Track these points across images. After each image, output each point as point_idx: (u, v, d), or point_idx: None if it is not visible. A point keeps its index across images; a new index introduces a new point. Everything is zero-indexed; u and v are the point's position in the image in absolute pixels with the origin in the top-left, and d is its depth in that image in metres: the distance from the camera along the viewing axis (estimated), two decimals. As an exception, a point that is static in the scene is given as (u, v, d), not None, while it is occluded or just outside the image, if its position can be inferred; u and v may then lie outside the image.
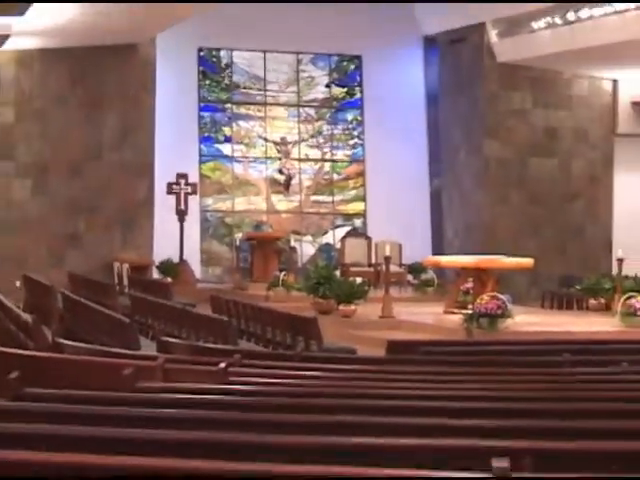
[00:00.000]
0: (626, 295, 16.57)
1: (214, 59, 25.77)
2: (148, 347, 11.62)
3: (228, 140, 25.78)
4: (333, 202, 26.32)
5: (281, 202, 26.07)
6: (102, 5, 17.99)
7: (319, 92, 26.35)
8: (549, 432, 4.84)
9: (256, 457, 3.96)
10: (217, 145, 25.73)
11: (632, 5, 19.30)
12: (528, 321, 16.19)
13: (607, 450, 4.36)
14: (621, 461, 4.12)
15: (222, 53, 25.77)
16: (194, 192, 24.13)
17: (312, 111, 26.35)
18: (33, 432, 4.51)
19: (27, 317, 11.25)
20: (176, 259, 23.33)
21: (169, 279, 22.13)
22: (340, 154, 26.44)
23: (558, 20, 21.55)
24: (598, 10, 20.28)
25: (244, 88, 25.93)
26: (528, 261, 18.45)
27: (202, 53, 25.53)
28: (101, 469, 3.67)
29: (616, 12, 19.85)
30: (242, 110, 25.95)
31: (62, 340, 9.56)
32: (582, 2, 20.76)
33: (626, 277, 18.27)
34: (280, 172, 26.05)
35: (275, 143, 26.09)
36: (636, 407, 6.14)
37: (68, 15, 18.62)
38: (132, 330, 11.68)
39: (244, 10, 22.82)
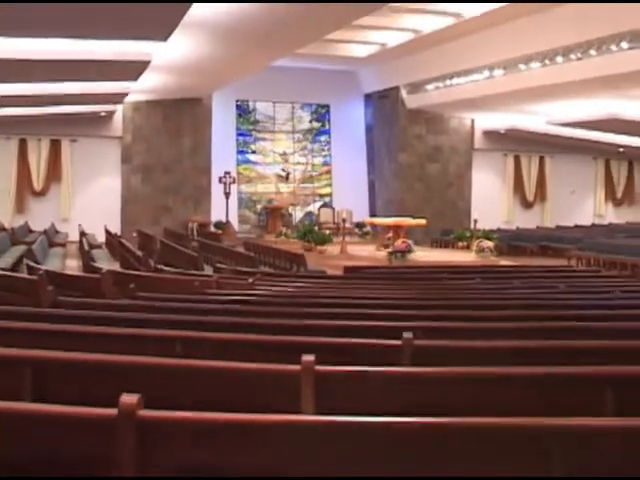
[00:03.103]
0: (478, 240, 16.72)
1: (245, 106, 25.50)
2: (208, 270, 11.61)
3: (253, 152, 25.61)
4: (313, 188, 26.23)
5: (283, 187, 25.94)
6: (180, 77, 17.75)
7: (305, 125, 26.13)
8: (437, 317, 4.85)
9: (269, 332, 3.95)
10: (247, 155, 25.54)
11: (481, 77, 19.18)
12: (423, 255, 16.28)
13: (468, 328, 4.39)
14: (475, 333, 4.15)
15: (250, 102, 25.51)
16: (234, 182, 24.04)
17: (301, 136, 26.18)
18: (143, 318, 4.49)
19: (139, 253, 11.20)
20: (224, 220, 23.30)
21: (220, 232, 22.10)
22: (317, 161, 26.29)
23: (441, 84, 21.43)
24: (463, 79, 20.13)
25: (262, 122, 25.73)
26: (423, 221, 18.55)
27: (238, 102, 25.27)
28: (182, 338, 3.67)
29: (473, 81, 19.72)
30: (261, 135, 25.73)
31: (159, 266, 9.54)
32: None
33: (478, 230, 18.38)
34: (282, 170, 25.92)
35: (280, 154, 25.94)
36: (484, 302, 6.19)
37: (161, 81, 18.37)
38: (199, 261, 11.66)
39: (263, 77, 22.52)
